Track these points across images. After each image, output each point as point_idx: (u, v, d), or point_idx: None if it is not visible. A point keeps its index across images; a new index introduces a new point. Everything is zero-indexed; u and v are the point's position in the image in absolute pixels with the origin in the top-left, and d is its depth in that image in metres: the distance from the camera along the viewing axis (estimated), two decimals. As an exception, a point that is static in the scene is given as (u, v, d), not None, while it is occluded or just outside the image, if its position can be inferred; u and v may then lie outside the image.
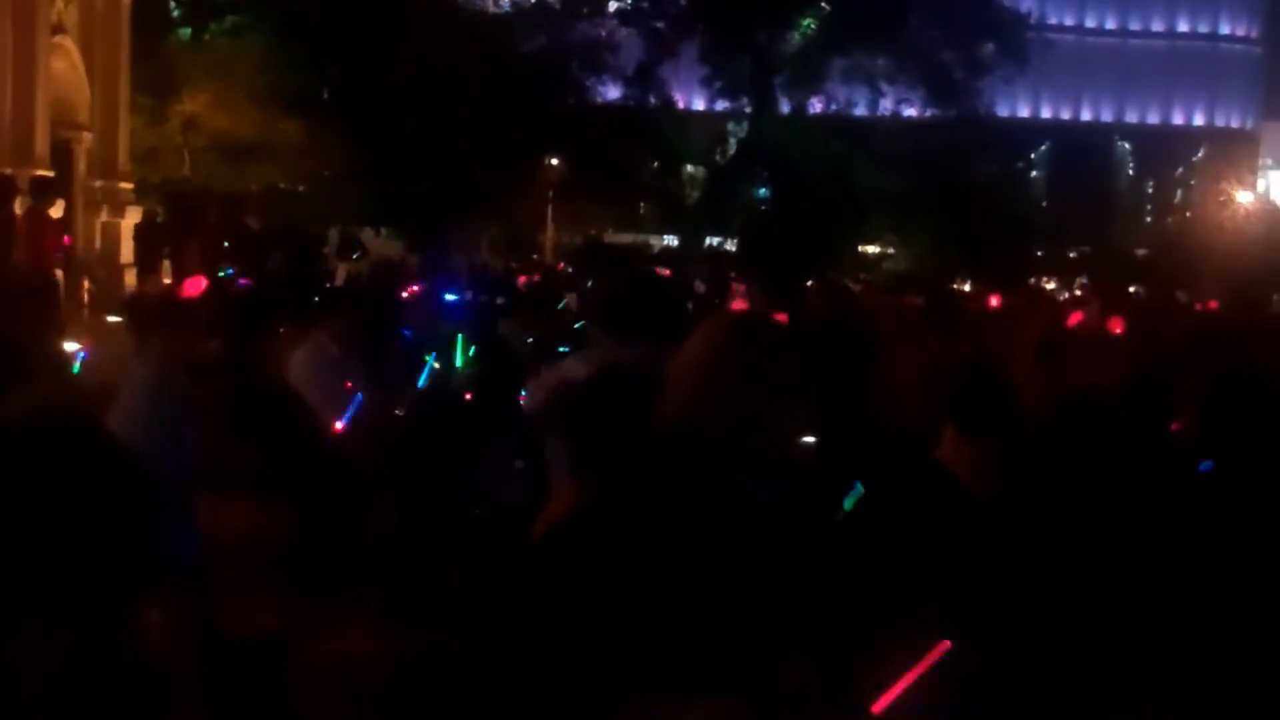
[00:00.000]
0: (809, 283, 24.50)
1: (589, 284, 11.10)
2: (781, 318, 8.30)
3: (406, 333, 8.02)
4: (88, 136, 25.86)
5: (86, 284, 22.62)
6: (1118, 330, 11.29)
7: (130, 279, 26.26)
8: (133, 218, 27.20)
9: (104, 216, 26.22)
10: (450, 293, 11.77)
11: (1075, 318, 13.23)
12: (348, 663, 2.91)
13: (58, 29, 24.35)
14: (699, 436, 2.90)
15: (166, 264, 26.37)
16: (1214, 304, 22.42)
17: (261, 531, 2.90)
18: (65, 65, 24.91)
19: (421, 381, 6.96)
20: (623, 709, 2.74)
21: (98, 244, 25.67)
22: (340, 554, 3.01)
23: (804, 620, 2.87)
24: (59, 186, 23.73)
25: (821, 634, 2.92)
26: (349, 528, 3.07)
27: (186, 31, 35.31)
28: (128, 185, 27.19)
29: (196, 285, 9.43)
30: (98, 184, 26.17)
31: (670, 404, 3.01)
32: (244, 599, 2.85)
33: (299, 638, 2.89)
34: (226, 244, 27.34)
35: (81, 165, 25.74)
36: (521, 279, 22.33)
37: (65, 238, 21.90)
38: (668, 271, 32.71)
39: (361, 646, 2.96)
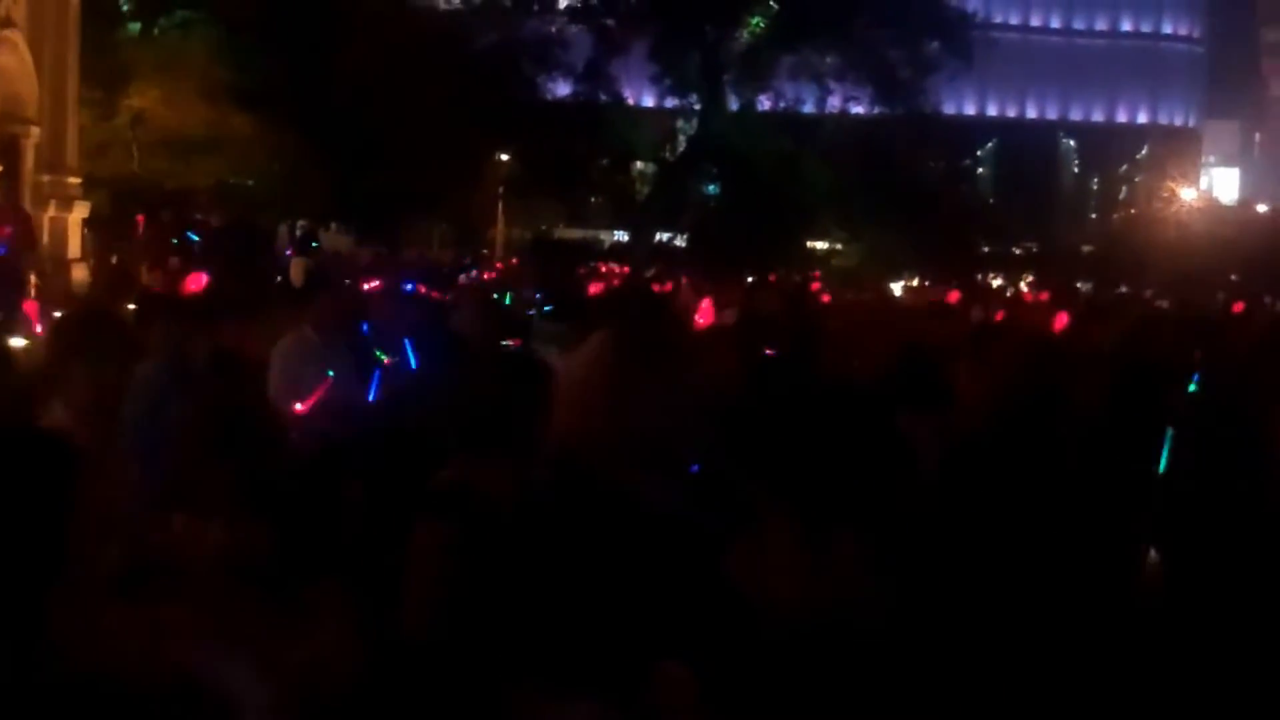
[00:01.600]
0: (762, 277, 24.76)
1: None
2: (727, 315, 8.46)
3: (363, 327, 8.15)
4: (36, 131, 25.69)
5: (33, 278, 22.49)
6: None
7: (78, 273, 26.15)
8: (80, 213, 27.08)
9: (51, 211, 26.08)
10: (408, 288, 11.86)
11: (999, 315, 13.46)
12: (318, 668, 2.98)
13: (6, 23, 24.22)
14: (584, 451, 2.95)
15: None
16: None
17: (237, 549, 3.01)
18: (13, 60, 24.77)
19: (374, 379, 7.09)
20: (498, 704, 2.82)
21: (45, 239, 25.52)
22: (313, 560, 3.12)
23: (682, 626, 2.88)
24: (6, 181, 23.62)
25: (703, 642, 2.91)
26: (323, 535, 3.18)
27: (136, 26, 35.10)
28: (76, 180, 27.03)
29: (198, 281, 9.52)
30: (45, 179, 26.02)
31: (562, 418, 3.06)
32: (215, 612, 2.94)
33: (269, 648, 2.98)
34: (175, 240, 27.24)
35: (29, 160, 25.59)
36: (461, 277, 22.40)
37: (3, 229, 21.67)
38: (623, 268, 32.92)
39: (331, 650, 3.03)
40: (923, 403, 5.19)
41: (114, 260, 25.02)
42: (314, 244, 30.25)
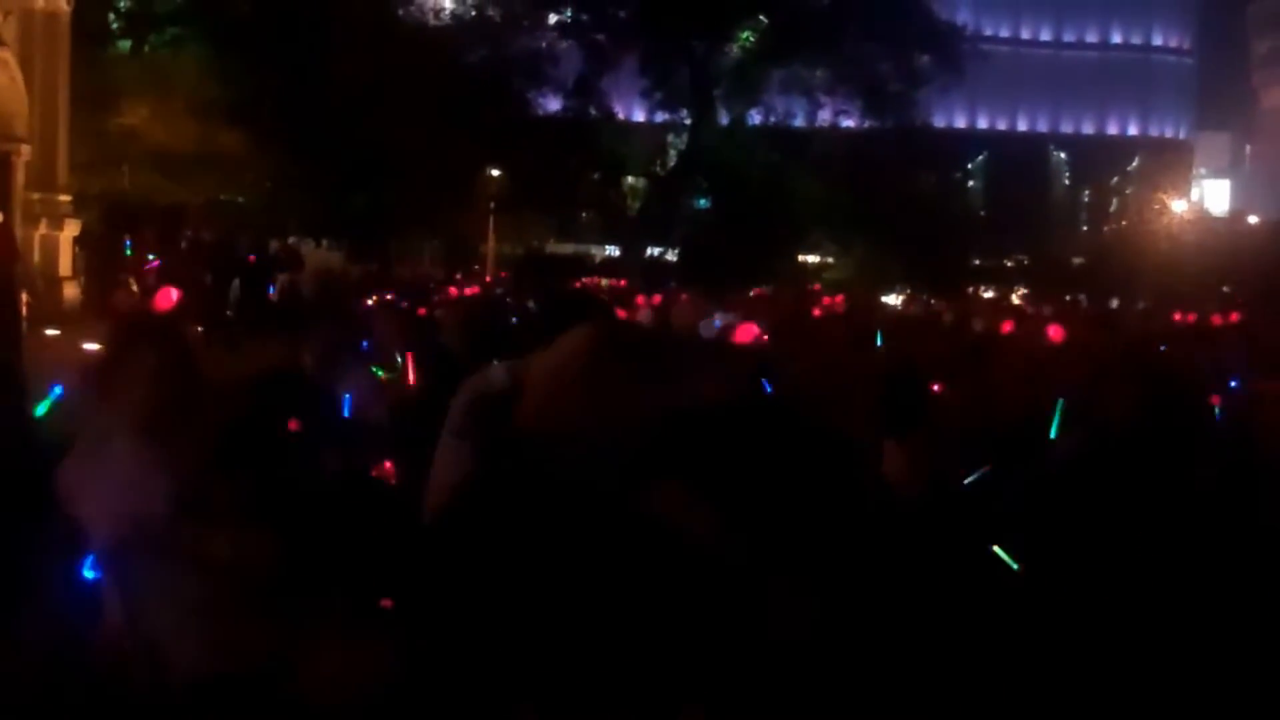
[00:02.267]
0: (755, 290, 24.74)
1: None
2: (750, 328, 8.38)
3: (363, 345, 8.10)
4: (26, 149, 25.69)
5: (25, 297, 22.44)
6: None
7: (69, 291, 26.13)
8: (71, 230, 27.06)
9: (42, 229, 26.07)
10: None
11: (1007, 326, 13.45)
12: (337, 684, 2.95)
13: (-4, 41, 24.25)
14: (546, 452, 2.87)
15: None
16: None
17: (246, 559, 2.97)
18: (4, 78, 24.79)
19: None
20: None
21: (36, 257, 25.49)
22: (329, 573, 3.09)
23: (702, 661, 2.77)
24: (-2, 199, 23.62)
25: (720, 678, 2.80)
26: (339, 548, 3.15)
27: (126, 44, 35.12)
28: (66, 198, 27.03)
29: (167, 298, 9.41)
30: (36, 197, 26.01)
31: (526, 413, 2.93)
32: (230, 628, 2.90)
33: (288, 664, 2.95)
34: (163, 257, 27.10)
35: (20, 178, 25.59)
36: (452, 290, 22.26)
37: None
38: (605, 281, 32.83)
39: (350, 666, 2.99)
40: (905, 429, 5.18)
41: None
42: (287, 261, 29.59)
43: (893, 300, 40.18)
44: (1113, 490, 4.65)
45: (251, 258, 26.32)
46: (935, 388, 6.30)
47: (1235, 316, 16.78)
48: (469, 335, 6.97)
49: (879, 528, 4.22)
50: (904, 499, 4.89)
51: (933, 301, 34.48)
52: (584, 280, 35.95)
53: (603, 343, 2.92)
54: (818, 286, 36.96)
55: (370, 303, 12.54)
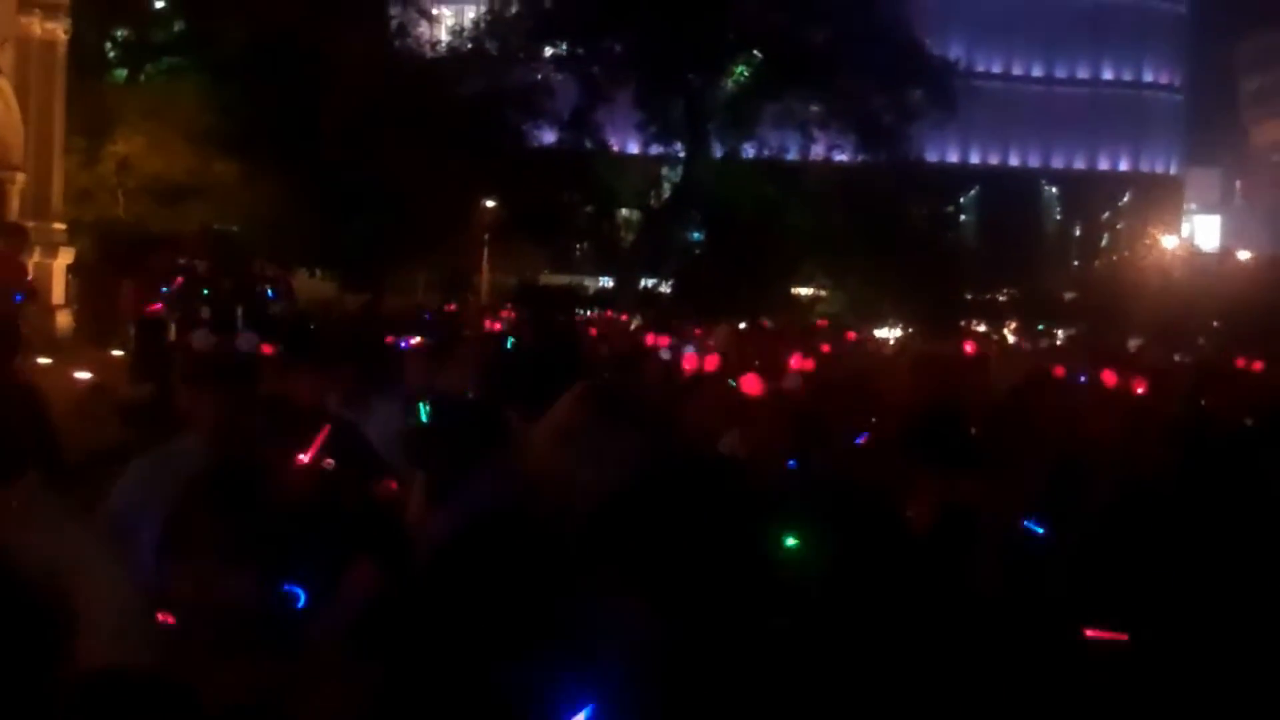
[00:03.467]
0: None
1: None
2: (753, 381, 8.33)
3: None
4: (21, 177, 25.67)
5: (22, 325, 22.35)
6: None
7: (63, 319, 26.06)
8: (65, 259, 27.01)
9: (37, 257, 26.01)
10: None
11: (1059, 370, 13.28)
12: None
13: (-8, 70, 24.27)
14: (542, 507, 2.87)
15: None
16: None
17: (227, 597, 2.96)
18: (-1, 106, 24.82)
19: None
20: None
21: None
22: (320, 617, 3.06)
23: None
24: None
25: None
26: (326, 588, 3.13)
27: (122, 73, 35.17)
28: (61, 226, 27.00)
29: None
30: (31, 225, 25.94)
31: (527, 465, 2.97)
32: (216, 668, 2.88)
33: (274, 706, 2.93)
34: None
35: (15, 206, 25.56)
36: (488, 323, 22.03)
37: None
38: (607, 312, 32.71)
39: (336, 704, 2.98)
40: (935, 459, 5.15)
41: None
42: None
43: (885, 333, 40.24)
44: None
45: (256, 289, 26.27)
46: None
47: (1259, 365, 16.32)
48: (487, 377, 6.95)
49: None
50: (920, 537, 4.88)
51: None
52: (577, 313, 35.93)
53: (593, 402, 3.01)
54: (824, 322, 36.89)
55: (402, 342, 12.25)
